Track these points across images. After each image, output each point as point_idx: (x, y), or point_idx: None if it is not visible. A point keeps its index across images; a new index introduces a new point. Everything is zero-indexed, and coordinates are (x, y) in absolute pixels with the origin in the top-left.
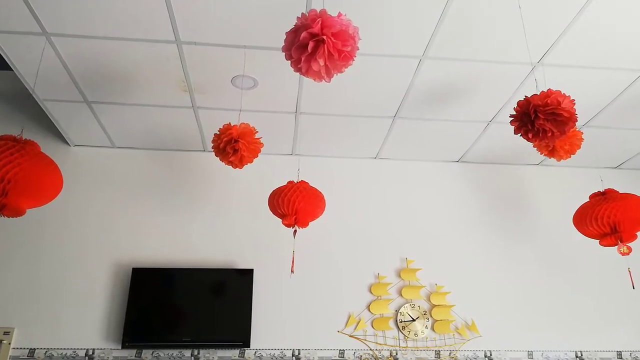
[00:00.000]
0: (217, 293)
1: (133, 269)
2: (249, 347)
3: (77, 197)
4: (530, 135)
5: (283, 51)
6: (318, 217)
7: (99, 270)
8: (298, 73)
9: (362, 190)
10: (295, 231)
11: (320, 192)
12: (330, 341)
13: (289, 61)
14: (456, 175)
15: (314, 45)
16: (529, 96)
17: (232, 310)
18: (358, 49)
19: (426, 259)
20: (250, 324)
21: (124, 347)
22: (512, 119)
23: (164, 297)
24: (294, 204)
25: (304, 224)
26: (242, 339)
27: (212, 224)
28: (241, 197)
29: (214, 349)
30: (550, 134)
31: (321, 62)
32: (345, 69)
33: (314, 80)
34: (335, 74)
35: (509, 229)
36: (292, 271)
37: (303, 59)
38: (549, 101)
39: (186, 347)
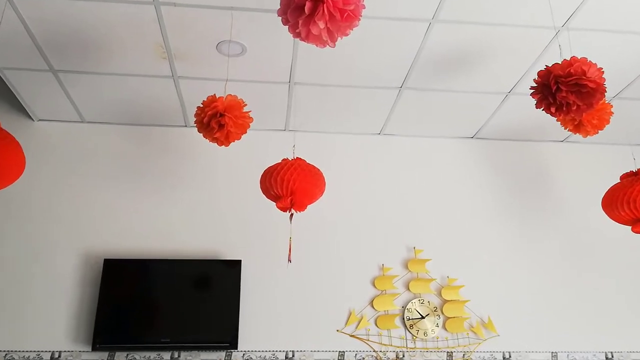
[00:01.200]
0: (200, 287)
1: (105, 260)
2: (236, 348)
3: (42, 179)
4: (553, 110)
5: (279, 15)
6: (318, 198)
7: (67, 262)
8: (297, 39)
9: (364, 171)
10: (291, 215)
11: (320, 171)
12: (328, 342)
13: (286, 26)
14: (471, 153)
15: (312, 6)
16: (550, 65)
17: (218, 307)
18: (364, 7)
19: (437, 249)
20: (237, 322)
21: (94, 349)
22: (532, 91)
23: (140, 292)
24: (290, 184)
25: (301, 207)
26: (228, 340)
27: (195, 209)
28: (228, 178)
29: (196, 351)
30: (575, 108)
31: (321, 25)
32: (351, 31)
33: (317, 46)
34: (339, 37)
35: (530, 214)
36: (290, 260)
37: (301, 22)
38: (571, 70)
39: (165, 348)
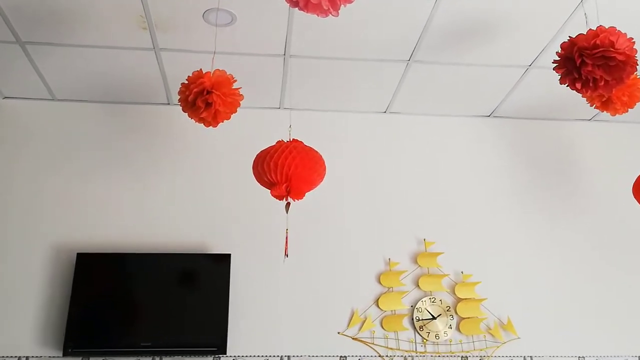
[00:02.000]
0: (185, 285)
1: (78, 254)
2: (225, 353)
3: (6, 163)
4: (578, 86)
5: None
6: (317, 185)
7: (34, 257)
8: (296, 9)
9: (368, 154)
10: (288, 204)
11: (319, 154)
12: (328, 345)
13: None
14: (487, 133)
15: None
16: (575, 36)
17: (204, 307)
18: None
19: (450, 241)
20: (226, 324)
21: (66, 354)
22: (555, 65)
23: (118, 291)
24: (286, 169)
25: (299, 195)
26: (216, 343)
27: (179, 197)
28: (216, 163)
29: (180, 356)
30: (602, 83)
31: None
32: None
33: (318, 16)
34: (342, 5)
35: (553, 201)
36: (286, 254)
37: None
38: (597, 42)
39: (145, 353)
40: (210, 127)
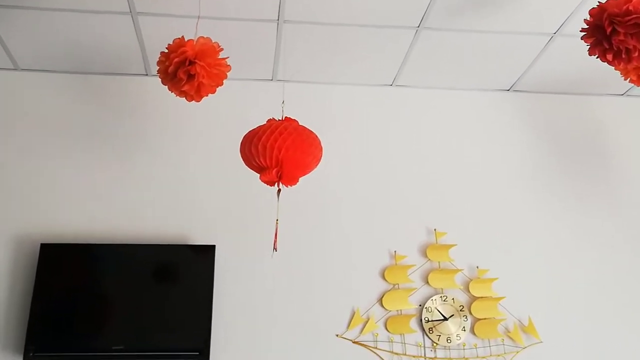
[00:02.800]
0: (162, 280)
1: (42, 245)
2: (207, 358)
3: None
4: (609, 57)
5: None
6: (312, 169)
7: None
8: None
9: (372, 133)
10: (279, 191)
11: (315, 134)
12: (325, 350)
13: None
14: (507, 110)
15: None
16: (605, 1)
17: (185, 306)
18: None
19: (464, 231)
20: (210, 325)
21: (27, 358)
22: (583, 34)
23: (86, 287)
24: (278, 152)
25: (291, 181)
26: (198, 347)
27: (157, 181)
28: (200, 143)
29: None
30: (636, 54)
31: None
32: None
33: None
34: None
35: (582, 186)
36: (275, 248)
37: None
38: (630, 8)
39: (117, 358)
40: (193, 101)
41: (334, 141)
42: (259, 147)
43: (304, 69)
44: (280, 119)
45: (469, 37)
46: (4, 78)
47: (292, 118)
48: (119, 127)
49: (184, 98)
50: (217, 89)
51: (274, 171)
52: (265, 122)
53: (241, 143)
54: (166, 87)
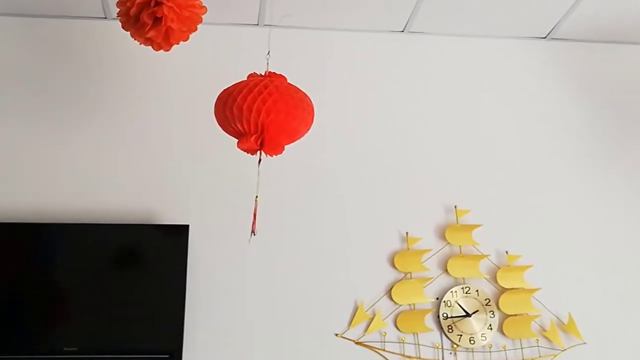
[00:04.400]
0: (126, 267)
1: None
2: None
3: None
4: None
5: None
6: (301, 136)
7: None
8: None
9: (378, 90)
10: (259, 160)
11: (304, 93)
12: (322, 352)
13: None
14: (543, 62)
15: None
16: None
17: (152, 298)
18: None
19: (490, 208)
20: (182, 322)
21: None
22: None
23: (33, 275)
24: (257, 115)
25: (275, 149)
26: (168, 348)
27: (120, 149)
28: (170, 103)
29: None
30: None
31: None
32: None
33: None
34: None
35: (634, 155)
36: (254, 231)
37: None
38: None
39: None
40: (162, 51)
41: (329, 101)
42: (234, 109)
43: (296, 11)
44: (265, 73)
45: None
46: None
47: (278, 74)
48: (72, 82)
49: (151, 46)
50: (190, 35)
51: (254, 138)
52: (246, 78)
53: (216, 103)
54: (128, 33)
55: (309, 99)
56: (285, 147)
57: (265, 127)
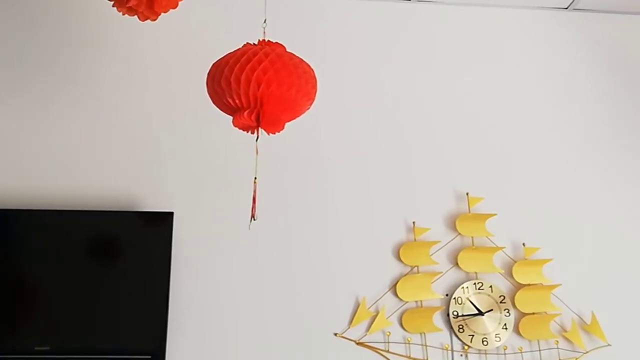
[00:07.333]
0: (104, 259)
1: None
2: None
3: None
4: None
5: None
6: (303, 111)
7: None
8: None
9: (383, 63)
10: (257, 137)
11: (307, 64)
12: (320, 353)
13: None
14: (564, 34)
15: None
16: None
17: (133, 293)
18: None
19: (505, 196)
20: (166, 319)
21: None
22: None
23: (2, 266)
24: (256, 87)
25: (274, 126)
26: (149, 349)
27: (99, 130)
28: (155, 77)
29: None
30: None
31: None
32: None
33: None
34: None
35: None
36: (254, 216)
37: None
38: None
39: None
40: (148, 21)
41: (334, 74)
42: (231, 80)
43: None
44: (259, 42)
45: None
46: None
47: (278, 43)
48: (48, 57)
49: (135, 16)
50: (180, 3)
51: (253, 113)
52: (242, 46)
53: (208, 75)
54: (110, 2)
55: (312, 70)
56: (286, 124)
57: (263, 101)
